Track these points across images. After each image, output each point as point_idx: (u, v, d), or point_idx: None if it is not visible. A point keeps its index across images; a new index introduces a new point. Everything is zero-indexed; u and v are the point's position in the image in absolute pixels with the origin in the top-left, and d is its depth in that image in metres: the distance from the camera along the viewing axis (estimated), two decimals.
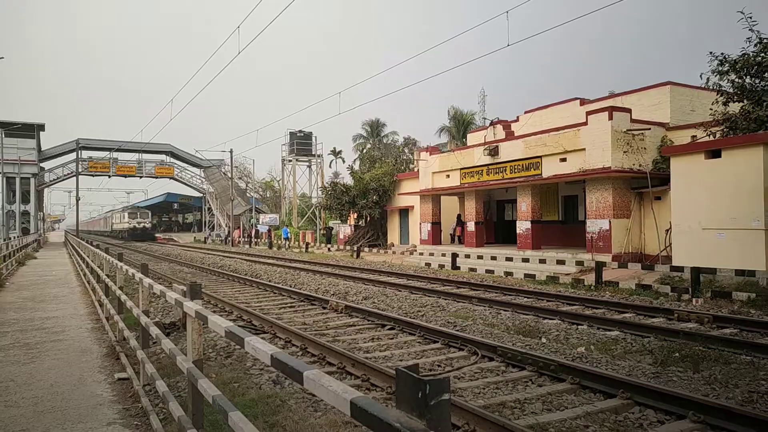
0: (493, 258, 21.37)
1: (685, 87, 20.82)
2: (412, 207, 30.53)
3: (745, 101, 15.63)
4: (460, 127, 53.21)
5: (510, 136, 25.16)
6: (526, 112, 26.64)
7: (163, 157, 59.05)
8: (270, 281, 16.52)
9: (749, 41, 15.57)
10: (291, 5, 14.28)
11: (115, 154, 55.58)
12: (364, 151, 56.69)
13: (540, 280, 16.84)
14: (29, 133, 49.90)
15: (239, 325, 5.41)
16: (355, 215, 35.52)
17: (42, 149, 52.62)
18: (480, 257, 22.31)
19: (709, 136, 16.63)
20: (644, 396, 5.35)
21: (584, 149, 19.47)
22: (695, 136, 18.22)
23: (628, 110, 19.36)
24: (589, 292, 14.08)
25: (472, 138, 30.22)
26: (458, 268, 20.96)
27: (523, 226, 22.02)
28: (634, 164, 18.81)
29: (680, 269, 13.75)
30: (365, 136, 62.15)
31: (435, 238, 27.72)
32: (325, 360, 7.12)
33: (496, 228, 28.77)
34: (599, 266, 15.24)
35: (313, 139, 54.24)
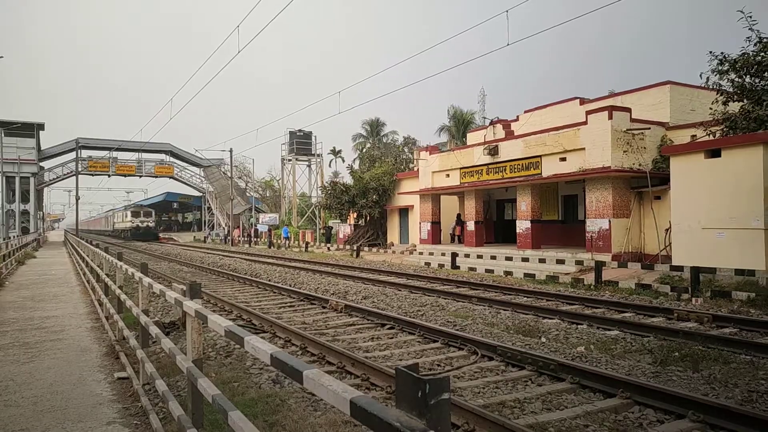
0: (493, 257, 21.36)
1: (684, 86, 20.82)
2: (412, 206, 30.53)
3: (744, 100, 15.62)
4: (460, 126, 53.23)
5: (510, 135, 25.15)
6: (525, 112, 26.63)
7: (162, 156, 58.95)
8: (270, 280, 16.51)
9: (749, 41, 15.57)
10: (291, 5, 14.28)
11: (114, 154, 55.45)
12: (364, 150, 56.71)
13: (540, 279, 16.83)
14: (29, 132, 49.83)
15: (239, 325, 5.42)
16: (355, 215, 35.50)
17: (41, 148, 52.55)
18: (480, 257, 22.30)
19: (708, 135, 16.63)
20: (644, 395, 5.34)
21: (584, 149, 19.47)
22: (695, 135, 18.22)
23: (628, 110, 19.36)
24: (588, 291, 14.07)
25: (471, 137, 30.24)
26: (458, 267, 20.96)
27: (522, 225, 22.03)
28: (633, 164, 18.81)
29: (680, 269, 13.75)
30: (365, 136, 62.16)
31: (435, 237, 27.74)
32: (324, 359, 7.11)
33: (496, 227, 28.78)
34: (599, 266, 15.24)
35: (313, 138, 54.16)
